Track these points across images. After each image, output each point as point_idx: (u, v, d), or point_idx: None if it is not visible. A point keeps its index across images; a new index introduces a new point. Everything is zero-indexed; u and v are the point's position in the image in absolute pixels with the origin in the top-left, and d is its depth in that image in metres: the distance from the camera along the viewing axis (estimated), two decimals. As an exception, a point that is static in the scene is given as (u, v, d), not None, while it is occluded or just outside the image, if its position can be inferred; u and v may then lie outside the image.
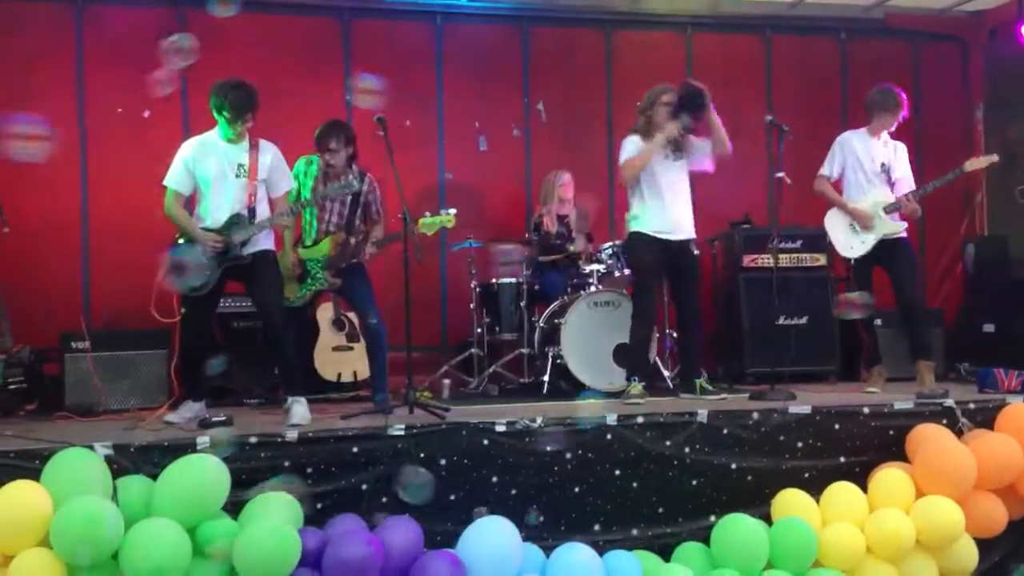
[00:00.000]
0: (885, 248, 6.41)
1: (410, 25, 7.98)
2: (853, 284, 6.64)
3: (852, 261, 6.56)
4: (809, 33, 8.62)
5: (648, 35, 8.43)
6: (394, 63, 7.77)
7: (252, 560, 4.09)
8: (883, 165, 6.44)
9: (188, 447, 4.54)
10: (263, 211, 5.43)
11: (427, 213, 5.80)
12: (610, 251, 6.87)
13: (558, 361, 6.51)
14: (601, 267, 6.77)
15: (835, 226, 6.58)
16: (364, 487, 4.75)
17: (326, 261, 5.95)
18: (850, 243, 6.49)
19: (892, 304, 6.50)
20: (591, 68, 8.28)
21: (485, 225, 7.70)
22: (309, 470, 4.69)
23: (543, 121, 8.13)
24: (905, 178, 6.47)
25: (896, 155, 6.49)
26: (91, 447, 4.36)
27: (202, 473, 4.23)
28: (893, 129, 6.51)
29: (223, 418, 5.15)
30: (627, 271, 6.80)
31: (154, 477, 4.28)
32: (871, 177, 6.45)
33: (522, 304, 7.15)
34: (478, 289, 7.37)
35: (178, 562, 3.97)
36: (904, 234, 6.45)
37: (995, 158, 6.28)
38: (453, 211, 5.83)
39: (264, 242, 5.45)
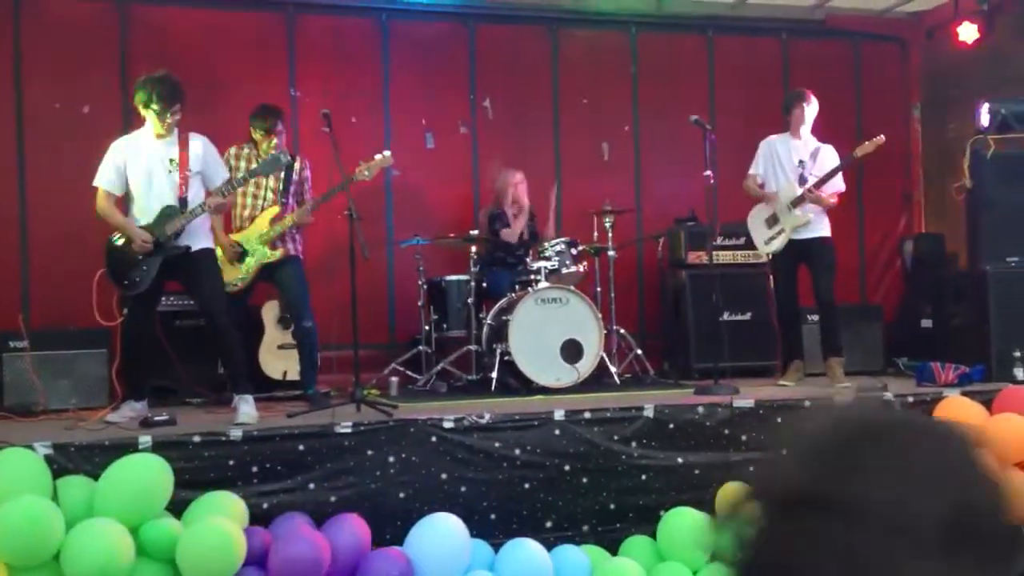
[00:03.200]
0: (804, 247, 6.59)
1: (355, 21, 7.93)
2: (773, 281, 6.90)
3: (771, 258, 6.79)
4: (751, 34, 8.73)
5: (593, 34, 8.47)
6: (340, 59, 7.75)
7: (196, 560, 4.05)
8: (800, 163, 6.62)
9: (130, 446, 4.47)
10: (196, 202, 5.37)
11: (361, 162, 5.89)
12: (558, 248, 6.90)
13: (506, 358, 6.51)
14: (549, 264, 6.79)
15: (754, 223, 6.81)
16: (311, 486, 4.72)
17: (264, 236, 6.03)
18: (765, 239, 6.71)
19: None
20: (537, 66, 8.30)
21: (432, 222, 7.69)
22: (255, 469, 4.65)
23: (490, 118, 8.13)
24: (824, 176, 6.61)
25: (818, 155, 6.65)
26: (31, 447, 4.29)
27: (144, 472, 4.19)
28: (808, 124, 6.67)
29: (166, 417, 5.08)
30: (575, 268, 6.86)
31: (95, 477, 4.22)
32: (787, 173, 6.65)
33: (470, 301, 7.15)
34: (426, 286, 7.35)
35: (121, 562, 3.92)
36: (825, 233, 6.60)
37: (881, 139, 6.43)
38: (387, 152, 5.98)
39: (202, 239, 5.40)
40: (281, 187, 6.18)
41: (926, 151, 8.88)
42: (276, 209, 6.14)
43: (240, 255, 6.08)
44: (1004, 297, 6.50)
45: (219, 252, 5.89)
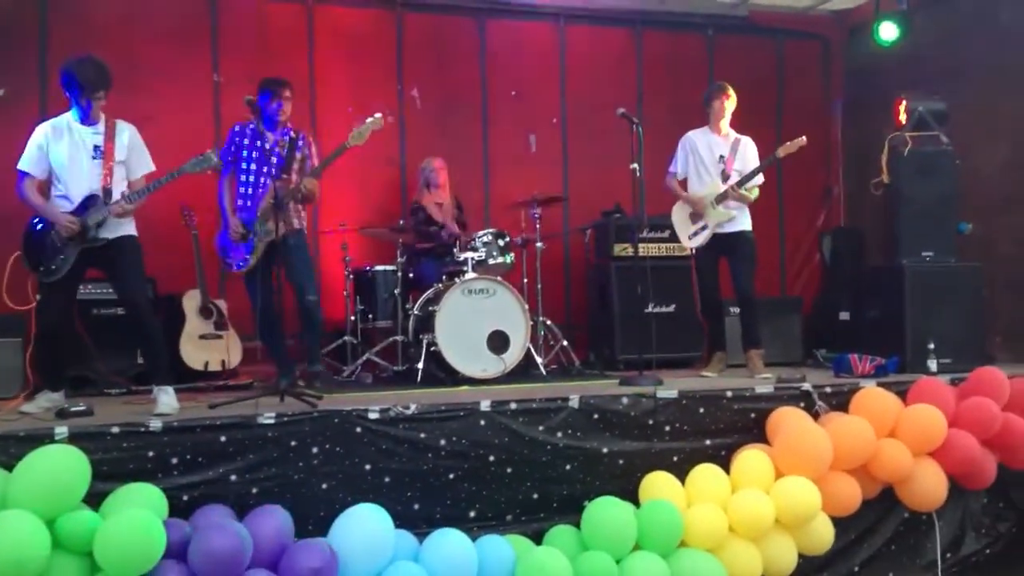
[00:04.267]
0: (726, 241, 6.72)
1: (281, 8, 7.81)
2: (696, 274, 7.04)
3: (694, 251, 6.90)
4: (678, 28, 8.82)
5: (521, 24, 8.48)
6: (264, 45, 7.64)
7: (114, 552, 3.95)
8: (720, 157, 6.74)
9: (46, 437, 4.36)
10: (119, 193, 5.24)
11: (354, 126, 5.82)
12: (486, 239, 6.90)
13: (432, 348, 6.50)
14: (476, 255, 6.79)
15: (677, 218, 6.92)
16: (233, 478, 4.66)
17: (267, 212, 5.89)
18: (689, 233, 6.81)
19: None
20: (465, 56, 8.29)
21: (360, 211, 7.63)
22: (175, 460, 4.57)
23: (418, 107, 8.10)
24: (745, 170, 6.73)
25: (738, 149, 6.77)
26: (-59, 438, 4.16)
27: (60, 464, 4.07)
28: (727, 118, 6.78)
29: (83, 408, 4.96)
30: (503, 259, 6.87)
31: (9, 468, 4.10)
32: (709, 169, 6.76)
33: (396, 291, 7.12)
34: (352, 276, 7.30)
35: (36, 555, 3.81)
36: (747, 227, 6.74)
37: (803, 140, 6.57)
38: (379, 115, 5.89)
39: (124, 227, 5.27)
40: (284, 163, 6.01)
41: (846, 147, 9.08)
42: (274, 184, 5.88)
43: (245, 236, 5.98)
44: (919, 291, 6.68)
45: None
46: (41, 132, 5.27)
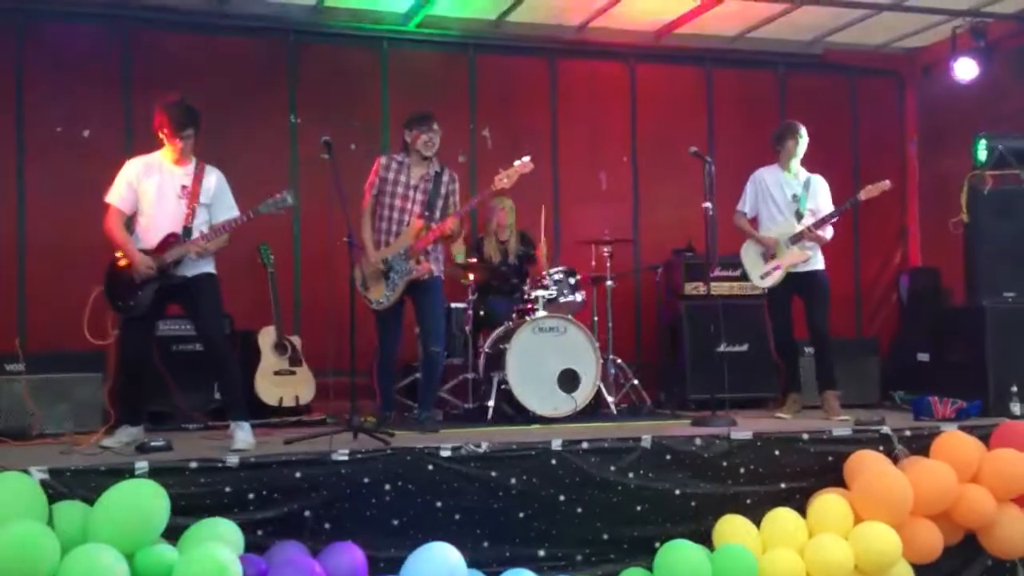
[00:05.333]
0: (799, 280, 6.63)
1: (355, 51, 7.94)
2: (769, 314, 6.96)
3: (767, 291, 6.83)
4: (749, 66, 8.78)
5: (592, 64, 8.52)
6: (339, 87, 7.78)
7: (192, 587, 4.01)
8: (794, 196, 6.66)
9: (126, 472, 4.45)
10: (199, 233, 5.34)
11: (500, 170, 6.06)
12: (557, 276, 6.90)
13: (503, 386, 6.51)
14: (547, 293, 6.79)
15: (748, 257, 6.86)
16: (307, 513, 4.70)
17: (407, 251, 5.98)
18: (761, 273, 6.74)
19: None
20: (536, 96, 8.34)
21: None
22: (251, 496, 4.63)
23: (489, 147, 8.16)
24: (819, 210, 6.66)
25: (810, 188, 6.69)
26: (26, 471, 4.26)
27: (140, 498, 4.16)
28: (799, 156, 6.72)
29: (162, 443, 5.06)
30: (573, 297, 6.87)
31: (91, 503, 4.19)
32: (782, 209, 6.70)
33: (467, 329, 7.14)
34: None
35: (116, 588, 3.89)
36: (820, 266, 6.65)
37: (887, 184, 6.51)
38: (527, 158, 6.12)
39: (203, 265, 5.37)
40: (428, 199, 6.09)
41: (923, 185, 8.92)
42: (421, 222, 6.04)
43: (385, 272, 6.04)
44: (1001, 332, 6.52)
45: (357, 273, 6.00)
46: (132, 168, 5.39)
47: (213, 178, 5.43)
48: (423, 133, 6.11)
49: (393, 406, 6.37)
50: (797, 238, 6.57)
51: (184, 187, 5.34)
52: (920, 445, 5.61)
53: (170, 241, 5.28)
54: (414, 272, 5.98)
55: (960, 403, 6.15)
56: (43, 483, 4.25)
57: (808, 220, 6.60)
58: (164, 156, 5.39)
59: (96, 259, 5.55)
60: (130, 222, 5.41)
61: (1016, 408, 6.28)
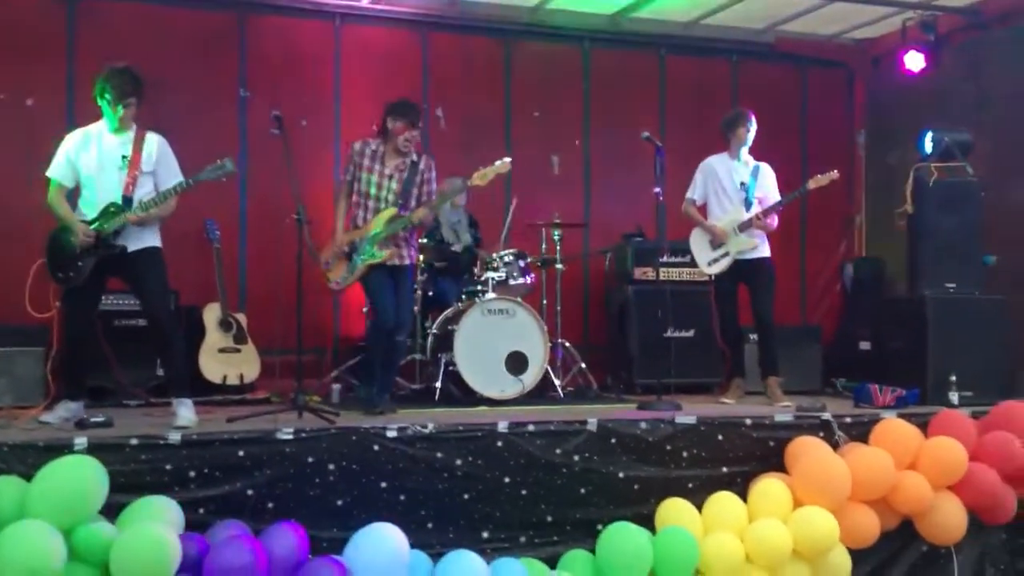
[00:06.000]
0: (745, 268, 6.71)
1: (308, 24, 7.86)
2: (715, 301, 7.06)
3: (713, 278, 6.92)
4: (703, 54, 8.82)
5: (547, 47, 8.50)
6: (291, 62, 7.69)
7: (130, 565, 3.96)
8: (742, 185, 6.73)
9: (64, 447, 4.38)
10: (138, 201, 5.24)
11: (479, 167, 5.86)
12: (507, 259, 6.90)
13: (451, 368, 6.50)
14: (496, 275, 6.79)
15: (696, 244, 6.92)
16: (249, 492, 4.65)
17: (377, 237, 5.85)
18: (708, 260, 6.81)
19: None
20: (490, 77, 8.31)
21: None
22: (192, 474, 4.57)
23: (442, 127, 8.12)
24: (766, 198, 6.75)
25: (758, 176, 6.76)
26: (-39, 446, 4.18)
27: (79, 475, 4.09)
28: (748, 145, 6.78)
29: (102, 419, 4.98)
30: (523, 280, 6.87)
31: (28, 478, 4.12)
32: (731, 196, 6.76)
33: (416, 309, 7.12)
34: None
35: (52, 565, 3.82)
36: (766, 253, 6.73)
37: (835, 174, 6.61)
38: (508, 159, 5.92)
39: (148, 238, 5.28)
40: (403, 188, 5.96)
41: (869, 176, 9.05)
42: (394, 210, 5.90)
43: (348, 255, 5.91)
44: (942, 322, 6.61)
45: (325, 252, 5.96)
46: (70, 140, 5.29)
47: (154, 145, 5.32)
48: (408, 130, 5.92)
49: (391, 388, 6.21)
50: (745, 226, 6.64)
51: (124, 156, 5.24)
52: (860, 432, 5.69)
53: (110, 211, 5.18)
54: (375, 257, 5.90)
55: (900, 391, 6.25)
56: (-22, 458, 4.17)
57: (756, 208, 6.66)
58: (105, 127, 5.28)
59: (39, 230, 5.45)
60: (76, 195, 5.31)
61: (954, 397, 6.38)
